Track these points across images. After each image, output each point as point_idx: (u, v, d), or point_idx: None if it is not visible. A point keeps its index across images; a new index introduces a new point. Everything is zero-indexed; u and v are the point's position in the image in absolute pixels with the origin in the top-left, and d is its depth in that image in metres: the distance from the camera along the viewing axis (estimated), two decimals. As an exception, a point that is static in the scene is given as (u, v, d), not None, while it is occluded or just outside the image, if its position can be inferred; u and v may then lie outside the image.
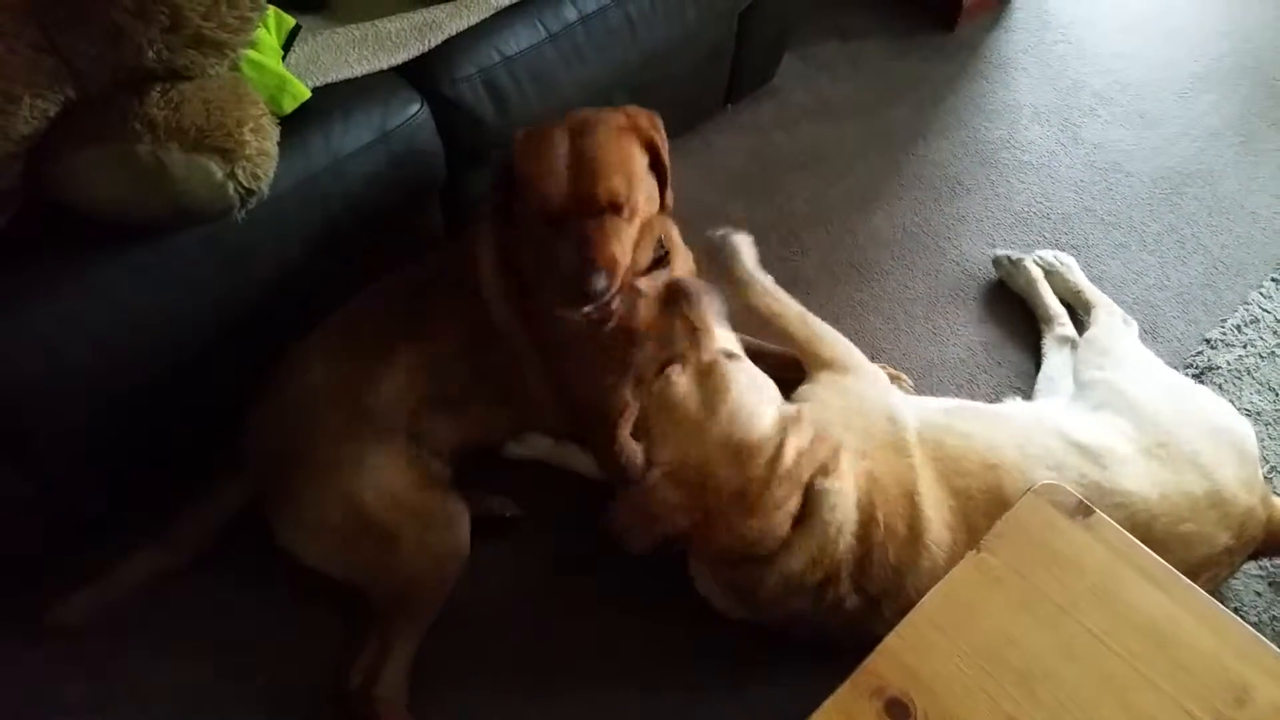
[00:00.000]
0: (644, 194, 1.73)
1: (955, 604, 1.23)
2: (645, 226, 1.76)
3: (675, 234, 1.94)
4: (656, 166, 1.78)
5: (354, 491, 1.72)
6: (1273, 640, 1.21)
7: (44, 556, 1.80)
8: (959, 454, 1.67)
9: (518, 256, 1.81)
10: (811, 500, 1.56)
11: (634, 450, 1.83)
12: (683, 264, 1.92)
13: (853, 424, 1.69)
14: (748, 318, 1.91)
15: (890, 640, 1.20)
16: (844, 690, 1.15)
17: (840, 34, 2.98)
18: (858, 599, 1.62)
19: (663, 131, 1.77)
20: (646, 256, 1.79)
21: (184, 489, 1.81)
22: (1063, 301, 2.25)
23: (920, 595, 1.52)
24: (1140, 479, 1.63)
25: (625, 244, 1.70)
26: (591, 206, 1.66)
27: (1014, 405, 1.90)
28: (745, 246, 1.97)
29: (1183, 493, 1.63)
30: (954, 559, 1.57)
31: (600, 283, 1.64)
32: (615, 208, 1.67)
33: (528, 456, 1.99)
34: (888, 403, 1.77)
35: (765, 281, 1.95)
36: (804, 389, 1.82)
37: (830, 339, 1.91)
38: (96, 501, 1.84)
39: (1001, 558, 1.26)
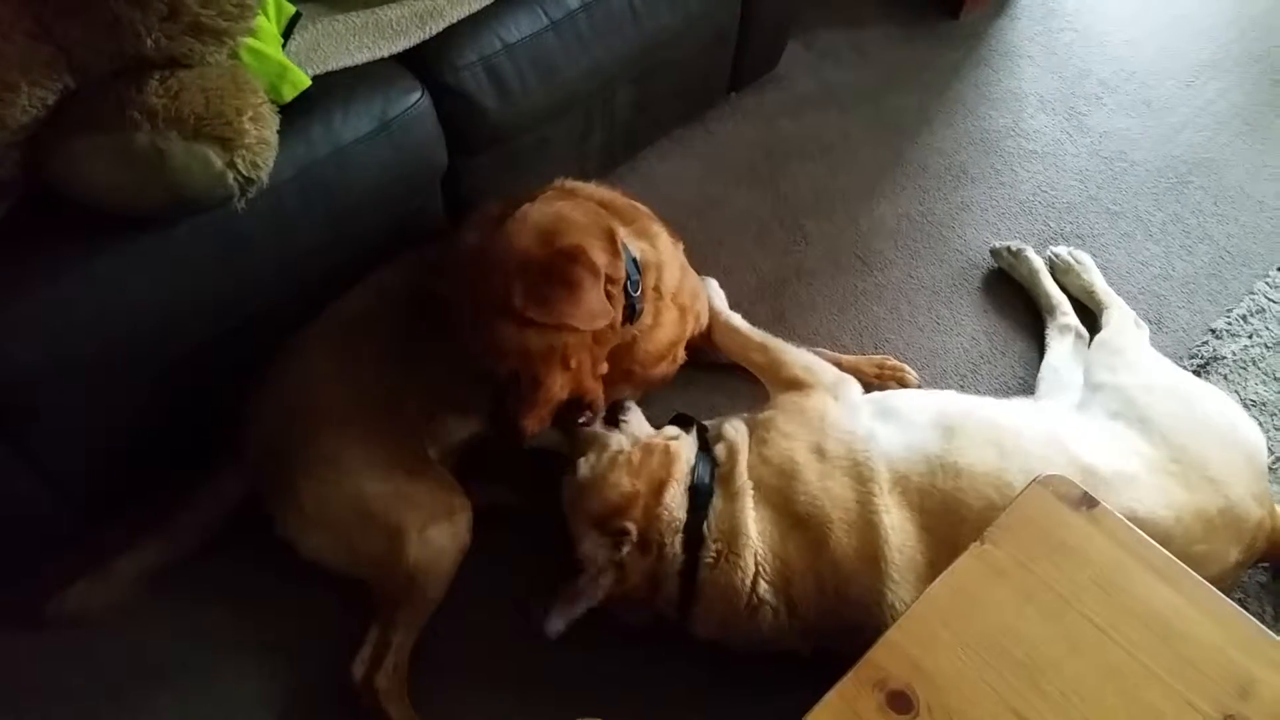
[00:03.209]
0: (539, 357, 1.63)
1: (958, 596, 1.23)
2: (570, 352, 1.67)
3: (659, 239, 1.87)
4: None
5: (356, 485, 1.71)
6: (1276, 633, 1.20)
7: (43, 547, 1.80)
8: (955, 499, 1.60)
9: None
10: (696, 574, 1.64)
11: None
12: (670, 270, 1.87)
13: (810, 462, 1.68)
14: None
15: (893, 632, 1.20)
16: (847, 682, 1.15)
17: (845, 21, 2.96)
18: (809, 649, 1.66)
19: (542, 289, 1.58)
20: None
21: (184, 480, 1.81)
22: (1074, 300, 2.23)
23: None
24: (1155, 503, 1.60)
25: (535, 401, 1.66)
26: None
27: (1025, 415, 1.80)
28: (714, 289, 2.11)
29: (1197, 512, 1.61)
30: None
31: (514, 447, 1.74)
32: (514, 376, 1.65)
33: (536, 444, 1.99)
34: (853, 433, 1.71)
35: (733, 319, 2.05)
36: (766, 414, 1.81)
37: (790, 361, 1.91)
38: (96, 492, 1.83)
39: (1005, 549, 1.26)
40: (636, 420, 1.84)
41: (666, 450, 1.73)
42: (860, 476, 1.64)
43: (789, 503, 1.64)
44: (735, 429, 1.79)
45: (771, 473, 1.68)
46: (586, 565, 1.64)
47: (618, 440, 1.78)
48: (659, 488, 1.68)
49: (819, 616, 1.61)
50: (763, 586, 1.61)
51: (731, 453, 1.73)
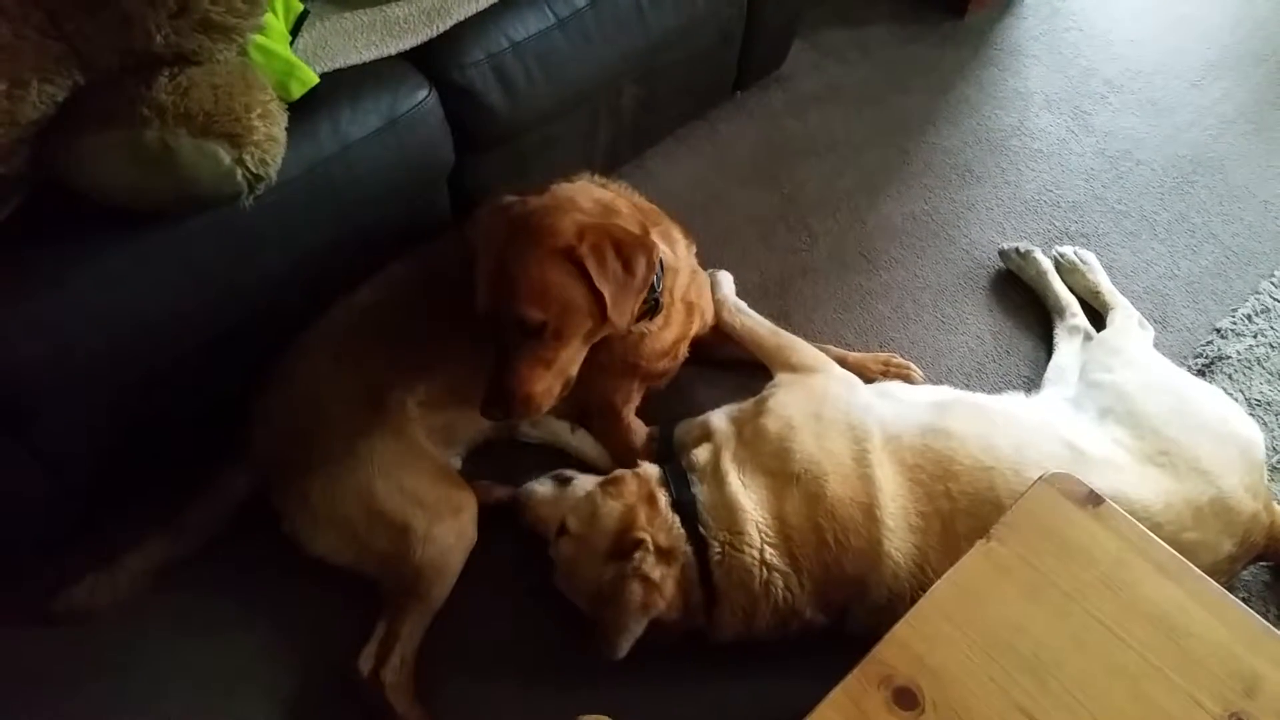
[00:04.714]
0: (574, 317, 1.62)
1: (964, 593, 1.23)
2: (590, 334, 1.69)
3: (679, 245, 1.90)
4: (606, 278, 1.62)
5: (364, 483, 1.72)
6: (1283, 631, 1.21)
7: (47, 543, 1.81)
8: (946, 456, 1.66)
9: None
10: (712, 574, 1.65)
11: (640, 429, 1.93)
12: (683, 274, 1.90)
13: (807, 424, 1.73)
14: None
15: (899, 629, 1.20)
16: (852, 679, 1.15)
17: (850, 20, 2.97)
18: (824, 617, 1.67)
19: (606, 254, 1.60)
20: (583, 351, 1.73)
21: (189, 477, 1.81)
22: (1080, 301, 2.23)
23: (886, 598, 1.59)
24: (1142, 488, 1.63)
25: (547, 366, 1.64)
26: (512, 326, 1.62)
27: (1018, 403, 1.88)
28: (724, 278, 2.17)
29: (1186, 501, 1.63)
30: (922, 563, 1.61)
31: (501, 418, 1.69)
32: (535, 332, 1.61)
33: (541, 440, 2.00)
34: (850, 402, 1.78)
35: (740, 304, 2.11)
36: (768, 388, 1.87)
37: (799, 348, 1.98)
38: (100, 488, 1.84)
39: (1011, 547, 1.26)
40: (581, 476, 1.84)
41: (634, 474, 1.77)
42: (855, 436, 1.70)
43: (786, 464, 1.69)
44: (719, 426, 1.81)
45: (769, 441, 1.72)
46: (615, 591, 1.63)
47: (581, 487, 1.79)
48: (649, 499, 1.70)
49: (823, 571, 1.63)
50: (769, 553, 1.63)
51: (715, 451, 1.76)
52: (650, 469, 1.78)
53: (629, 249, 1.62)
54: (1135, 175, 2.61)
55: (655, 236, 1.78)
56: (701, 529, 1.66)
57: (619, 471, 1.79)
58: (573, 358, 1.69)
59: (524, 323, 1.60)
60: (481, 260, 1.66)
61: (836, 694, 1.14)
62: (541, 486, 1.83)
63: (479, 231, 1.69)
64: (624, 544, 1.65)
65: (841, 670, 1.16)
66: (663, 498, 1.71)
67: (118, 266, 1.54)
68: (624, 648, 1.62)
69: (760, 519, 1.65)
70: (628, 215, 1.73)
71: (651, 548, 1.64)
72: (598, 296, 1.60)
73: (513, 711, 1.74)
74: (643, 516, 1.67)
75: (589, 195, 1.72)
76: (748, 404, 1.86)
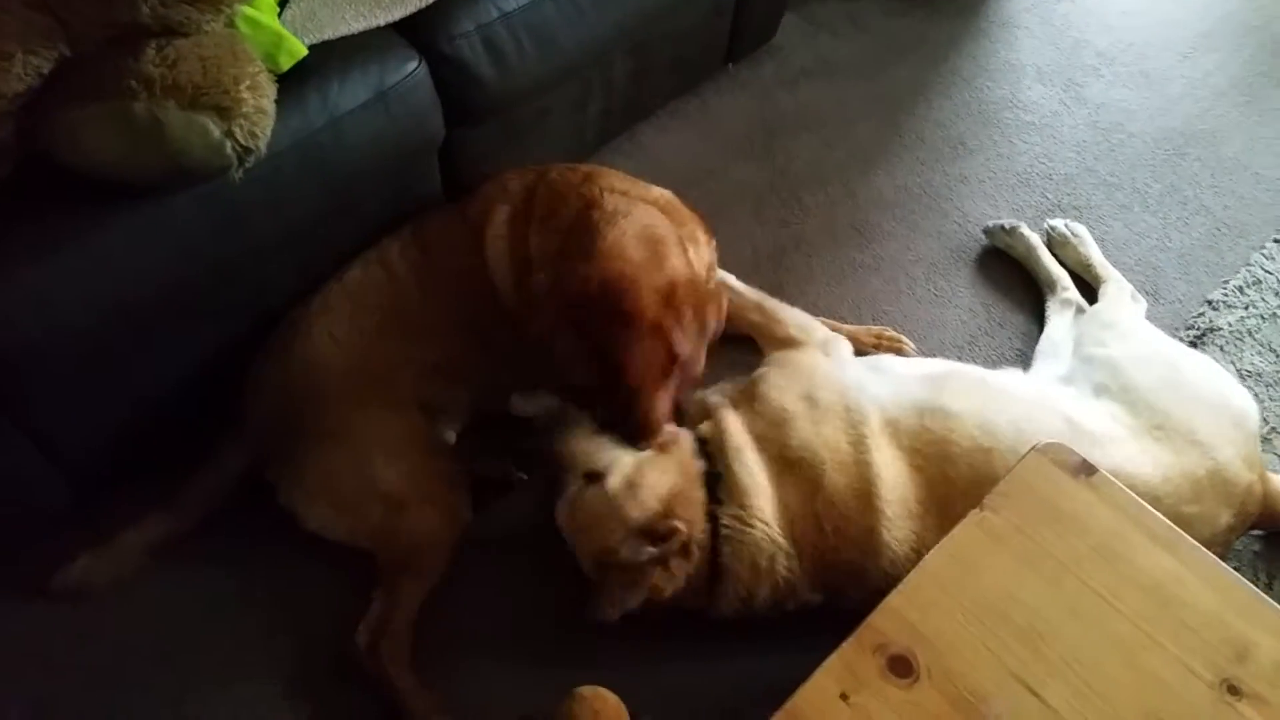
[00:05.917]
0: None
1: (958, 562, 1.24)
2: None
3: (702, 246, 1.89)
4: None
5: (359, 458, 1.72)
6: (1272, 599, 1.22)
7: (42, 522, 1.80)
8: (944, 438, 1.65)
9: (526, 231, 1.81)
10: (719, 552, 1.64)
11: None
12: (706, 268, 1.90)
13: (801, 409, 1.71)
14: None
15: (893, 597, 1.21)
16: (847, 647, 1.16)
17: (842, -8, 2.95)
18: (820, 596, 1.67)
19: (686, 321, 1.67)
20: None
21: (187, 452, 1.81)
22: (1072, 274, 2.23)
23: (884, 582, 1.55)
24: (1142, 463, 1.63)
25: (668, 387, 1.70)
26: None
27: (1014, 378, 1.87)
28: None
29: (1184, 474, 1.63)
30: (920, 549, 1.60)
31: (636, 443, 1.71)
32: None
33: (535, 414, 1.99)
34: (843, 382, 1.76)
35: (728, 278, 2.08)
36: (759, 371, 1.85)
37: (784, 319, 1.96)
38: (95, 465, 1.83)
39: (1005, 516, 1.27)
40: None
41: (680, 444, 1.71)
42: (851, 420, 1.68)
43: (783, 449, 1.67)
44: (718, 401, 1.80)
45: (765, 424, 1.71)
46: (631, 570, 1.61)
47: (618, 450, 1.70)
48: (695, 481, 1.67)
49: (821, 556, 1.63)
50: (774, 532, 1.63)
51: (718, 425, 1.74)
52: (685, 436, 1.73)
53: (701, 309, 1.70)
54: (1127, 147, 2.61)
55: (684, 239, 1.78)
56: (720, 498, 1.65)
57: (670, 432, 1.72)
58: (694, 360, 1.73)
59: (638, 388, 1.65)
60: (559, 340, 1.67)
61: (832, 662, 1.15)
62: (581, 425, 1.74)
63: (541, 317, 1.70)
64: (659, 529, 1.60)
65: (837, 641, 1.17)
66: (696, 469, 1.68)
67: (108, 241, 1.52)
68: (616, 616, 1.62)
69: (769, 496, 1.64)
70: (671, 242, 1.72)
71: (681, 543, 1.61)
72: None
73: (510, 684, 1.75)
74: (684, 505, 1.63)
75: (636, 236, 1.68)
76: (740, 386, 1.84)
